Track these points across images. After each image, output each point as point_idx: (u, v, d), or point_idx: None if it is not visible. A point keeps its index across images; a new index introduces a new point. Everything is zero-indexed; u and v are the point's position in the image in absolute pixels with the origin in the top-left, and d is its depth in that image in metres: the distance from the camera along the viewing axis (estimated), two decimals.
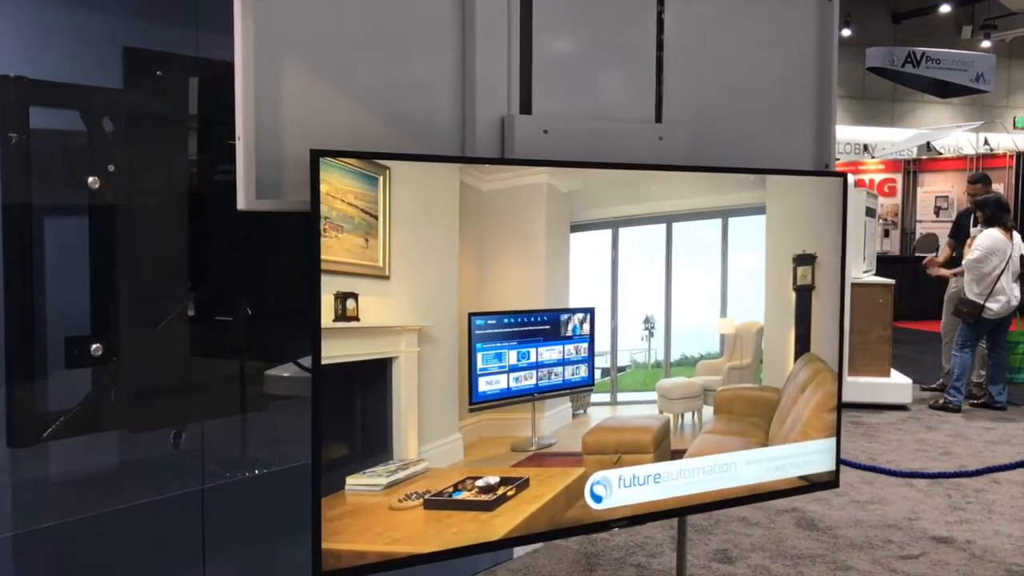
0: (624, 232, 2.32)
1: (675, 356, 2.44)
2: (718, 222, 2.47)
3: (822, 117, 2.87)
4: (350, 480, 1.99)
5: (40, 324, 2.04)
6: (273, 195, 1.98)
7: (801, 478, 2.67)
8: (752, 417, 2.58)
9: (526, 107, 2.31)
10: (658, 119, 2.52)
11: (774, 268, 2.58)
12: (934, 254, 7.80)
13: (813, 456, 2.68)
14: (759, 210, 2.53)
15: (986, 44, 15.69)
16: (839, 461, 2.74)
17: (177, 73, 2.31)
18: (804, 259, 2.63)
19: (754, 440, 2.57)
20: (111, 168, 2.11)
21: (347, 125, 2.09)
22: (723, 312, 2.51)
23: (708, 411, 2.50)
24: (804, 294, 2.64)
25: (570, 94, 2.37)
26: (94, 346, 2.08)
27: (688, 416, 2.47)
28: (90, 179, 2.08)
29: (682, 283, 2.42)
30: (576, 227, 2.25)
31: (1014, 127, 15.07)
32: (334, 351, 1.94)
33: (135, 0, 2.37)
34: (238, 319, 2.30)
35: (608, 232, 2.30)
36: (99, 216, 2.11)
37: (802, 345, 2.65)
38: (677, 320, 2.42)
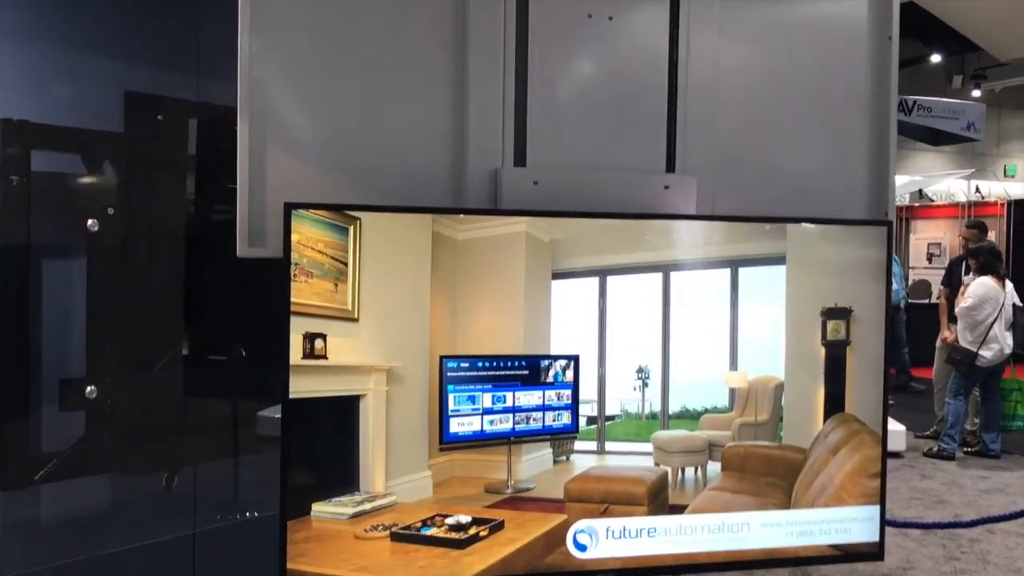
0: (614, 280, 2.32)
1: (675, 408, 2.38)
2: (726, 272, 2.39)
3: (879, 162, 2.68)
4: (316, 507, 2.14)
5: (35, 366, 2.24)
6: (262, 243, 2.21)
7: (833, 547, 2.48)
8: (769, 477, 2.44)
9: (520, 158, 2.39)
10: (670, 168, 2.49)
11: (797, 321, 2.44)
12: (950, 333, 7.55)
13: (849, 524, 2.48)
14: (776, 260, 2.42)
15: (976, 94, 15.41)
16: (884, 531, 2.51)
17: (177, 117, 2.50)
18: (836, 313, 2.47)
19: (772, 502, 2.43)
20: (110, 211, 2.32)
21: (342, 177, 2.28)
22: (733, 365, 2.42)
23: (714, 467, 2.41)
24: (837, 349, 2.47)
25: (567, 144, 2.42)
26: (88, 388, 2.26)
27: (690, 471, 2.40)
28: (89, 221, 2.29)
29: (682, 334, 2.36)
30: (559, 275, 2.28)
31: (1005, 175, 14.89)
32: (302, 387, 2.11)
33: (137, 45, 2.58)
34: (232, 359, 2.48)
35: (595, 280, 2.31)
36: (97, 258, 2.34)
37: (834, 404, 2.48)
38: (676, 371, 2.36)
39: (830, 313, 2.47)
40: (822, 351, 2.47)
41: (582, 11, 2.41)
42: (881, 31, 2.69)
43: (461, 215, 2.24)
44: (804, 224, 2.44)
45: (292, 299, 2.09)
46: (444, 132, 2.33)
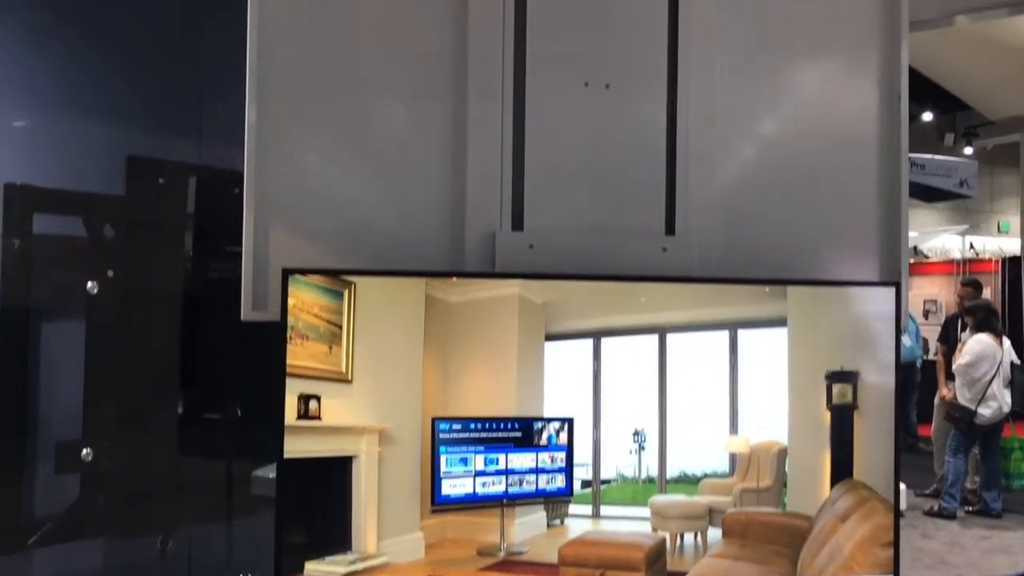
0: (608, 343, 2.33)
1: (673, 472, 2.35)
2: (724, 334, 2.38)
3: (890, 221, 2.63)
4: (309, 565, 2.17)
5: (31, 428, 2.29)
6: (263, 307, 2.30)
7: None
8: (773, 545, 2.38)
9: (518, 222, 2.43)
10: (670, 230, 2.50)
11: (800, 385, 2.40)
12: (948, 390, 7.52)
13: None
14: (777, 322, 2.39)
15: (968, 151, 15.35)
16: None
17: (178, 180, 2.57)
18: (842, 376, 2.42)
19: (776, 570, 2.36)
20: (110, 273, 2.39)
21: (341, 242, 2.37)
22: (733, 429, 2.38)
23: (715, 533, 2.36)
24: (843, 414, 2.42)
25: (565, 208, 2.46)
26: (84, 451, 2.30)
27: (689, 537, 2.36)
28: (89, 284, 2.37)
29: (680, 397, 2.35)
30: (553, 337, 2.30)
31: (999, 231, 14.95)
32: (296, 447, 2.16)
33: (140, 110, 2.69)
34: (227, 420, 2.54)
35: (589, 342, 2.32)
36: (96, 320, 2.42)
37: (841, 470, 2.41)
38: (674, 435, 2.34)
39: (835, 377, 2.42)
40: (827, 416, 2.41)
41: (579, 79, 2.47)
42: (891, 90, 2.67)
43: (454, 278, 2.29)
44: (804, 287, 2.42)
45: (288, 361, 2.16)
46: (442, 197, 2.41)
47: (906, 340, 8.81)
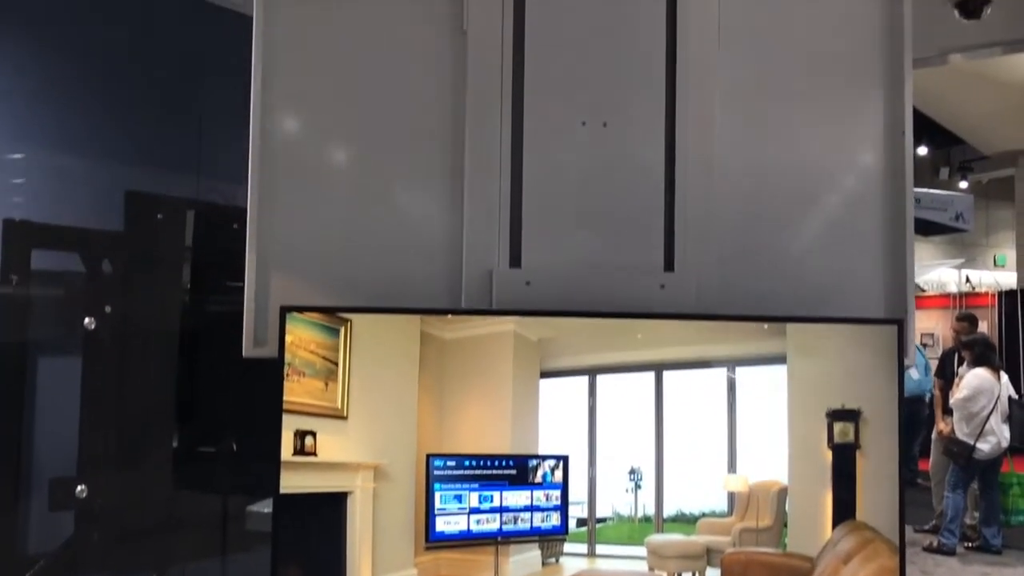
0: (604, 380, 2.32)
1: (670, 511, 2.33)
2: (722, 371, 2.36)
3: (895, 257, 2.61)
4: None
5: (26, 464, 2.28)
6: (263, 343, 2.33)
7: None
8: None
9: (516, 259, 2.45)
10: (669, 267, 2.50)
11: (801, 424, 2.37)
12: (945, 425, 7.48)
13: None
14: (776, 360, 2.37)
15: (963, 185, 15.48)
16: None
17: (176, 216, 2.59)
18: (844, 415, 2.39)
19: None
20: (108, 309, 2.41)
21: (339, 280, 2.40)
22: (732, 468, 2.36)
23: (712, 573, 2.33)
24: (845, 453, 2.38)
25: (563, 246, 2.47)
26: (79, 488, 2.29)
27: None
28: (86, 320, 2.39)
29: (677, 435, 2.33)
30: (548, 374, 2.31)
31: (995, 265, 15.09)
32: (292, 482, 2.18)
33: (139, 145, 2.73)
34: (223, 455, 2.55)
35: (585, 380, 2.32)
36: (92, 356, 2.43)
37: (843, 510, 2.38)
38: (671, 474, 2.33)
39: (837, 415, 2.39)
40: (829, 455, 2.38)
41: (576, 118, 2.49)
42: (894, 127, 2.66)
43: (449, 316, 2.31)
44: (804, 324, 2.40)
45: (285, 397, 2.19)
46: (441, 236, 2.43)
47: (914, 373, 8.75)
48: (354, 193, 2.42)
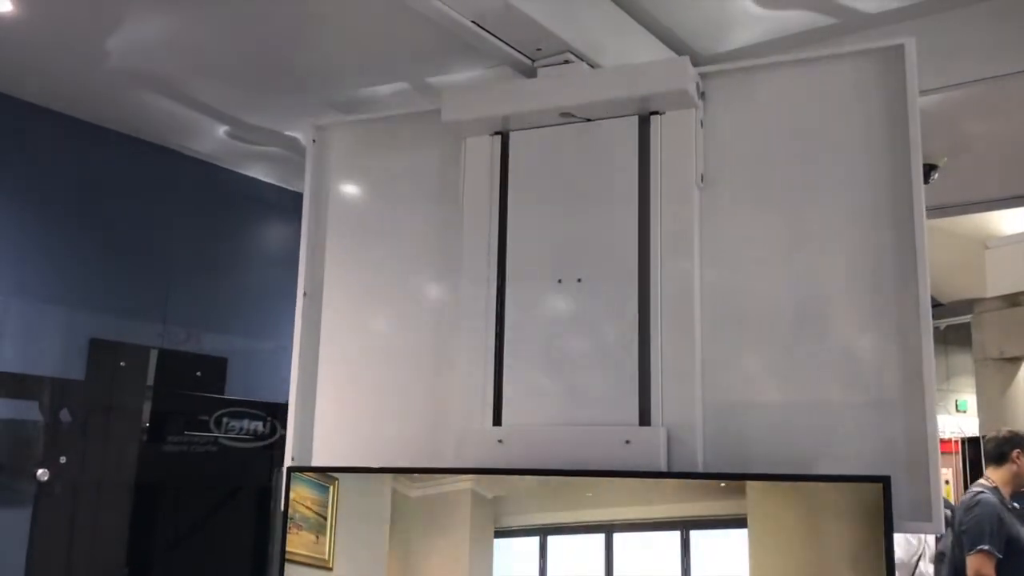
0: (554, 541, 2.30)
1: None
2: (675, 535, 2.19)
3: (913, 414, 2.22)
4: None
5: None
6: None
7: None
8: None
9: (498, 418, 2.56)
10: (644, 421, 2.40)
11: None
12: None
13: None
14: (735, 523, 2.13)
15: None
16: None
17: (139, 364, 2.57)
18: None
19: None
20: (63, 460, 2.29)
21: (342, 443, 2.77)
22: None
23: None
24: None
25: (538, 401, 2.52)
26: None
27: None
28: (39, 471, 2.26)
29: None
30: (501, 533, 2.36)
31: (957, 410, 14.16)
32: None
33: (105, 294, 2.75)
34: None
35: (536, 540, 2.32)
36: (43, 508, 2.26)
37: None
38: None
39: None
40: None
41: (552, 277, 2.57)
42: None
43: (413, 475, 2.50)
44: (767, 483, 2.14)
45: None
46: (426, 400, 2.68)
47: None
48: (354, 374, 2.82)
